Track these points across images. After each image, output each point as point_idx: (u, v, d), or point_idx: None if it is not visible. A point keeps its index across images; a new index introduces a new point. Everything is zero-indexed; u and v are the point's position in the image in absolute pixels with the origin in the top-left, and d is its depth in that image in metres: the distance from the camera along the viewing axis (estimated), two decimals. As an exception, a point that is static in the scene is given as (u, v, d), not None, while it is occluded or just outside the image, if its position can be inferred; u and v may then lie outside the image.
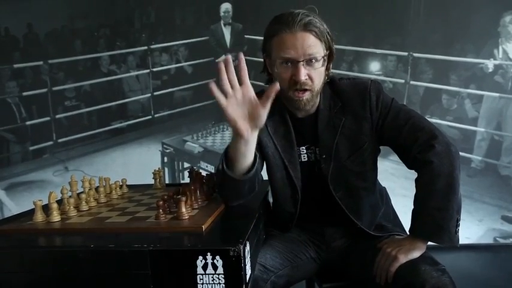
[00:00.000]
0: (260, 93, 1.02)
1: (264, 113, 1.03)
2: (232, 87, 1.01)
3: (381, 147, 1.32)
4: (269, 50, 1.22)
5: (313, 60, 1.15)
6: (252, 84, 1.03)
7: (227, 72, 1.00)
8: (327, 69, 1.23)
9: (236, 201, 1.18)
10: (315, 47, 1.15)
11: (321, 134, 1.26)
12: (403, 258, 1.11)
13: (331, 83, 1.29)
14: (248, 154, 1.08)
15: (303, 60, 1.14)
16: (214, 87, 0.97)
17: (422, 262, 1.09)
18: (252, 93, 1.03)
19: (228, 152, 1.10)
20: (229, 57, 1.00)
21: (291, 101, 1.22)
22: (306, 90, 1.17)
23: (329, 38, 1.19)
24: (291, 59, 1.15)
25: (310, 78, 1.17)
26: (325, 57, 1.18)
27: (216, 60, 3.28)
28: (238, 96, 1.01)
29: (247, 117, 1.03)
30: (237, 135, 1.04)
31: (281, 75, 1.18)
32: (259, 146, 1.29)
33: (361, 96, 1.24)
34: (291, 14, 1.15)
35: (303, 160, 1.29)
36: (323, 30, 1.17)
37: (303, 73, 1.15)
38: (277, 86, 1.02)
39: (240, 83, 1.02)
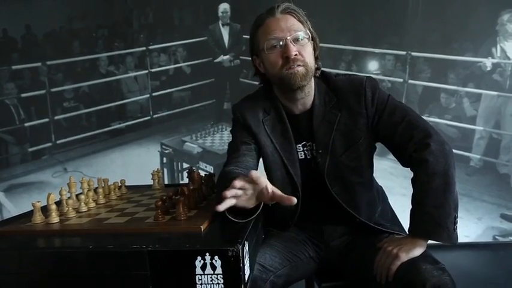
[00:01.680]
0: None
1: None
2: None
3: (378, 146, 1.32)
4: (257, 45, 1.25)
5: (299, 39, 1.20)
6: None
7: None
8: (316, 58, 1.26)
9: None
10: (298, 26, 1.21)
11: (316, 130, 1.27)
12: (404, 257, 1.11)
13: (326, 79, 1.30)
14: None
15: (289, 37, 1.19)
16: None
17: (422, 261, 1.09)
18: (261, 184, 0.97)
19: None
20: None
21: (286, 81, 1.21)
22: (299, 65, 1.20)
23: (310, 24, 1.25)
24: (278, 37, 1.19)
25: (301, 54, 1.20)
26: (309, 40, 1.22)
27: (215, 60, 3.28)
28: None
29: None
30: None
31: (271, 60, 1.21)
32: (258, 145, 1.29)
33: (356, 91, 1.25)
34: (270, 7, 1.24)
35: (300, 158, 1.30)
36: (303, 15, 1.24)
37: (293, 48, 1.18)
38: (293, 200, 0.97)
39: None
